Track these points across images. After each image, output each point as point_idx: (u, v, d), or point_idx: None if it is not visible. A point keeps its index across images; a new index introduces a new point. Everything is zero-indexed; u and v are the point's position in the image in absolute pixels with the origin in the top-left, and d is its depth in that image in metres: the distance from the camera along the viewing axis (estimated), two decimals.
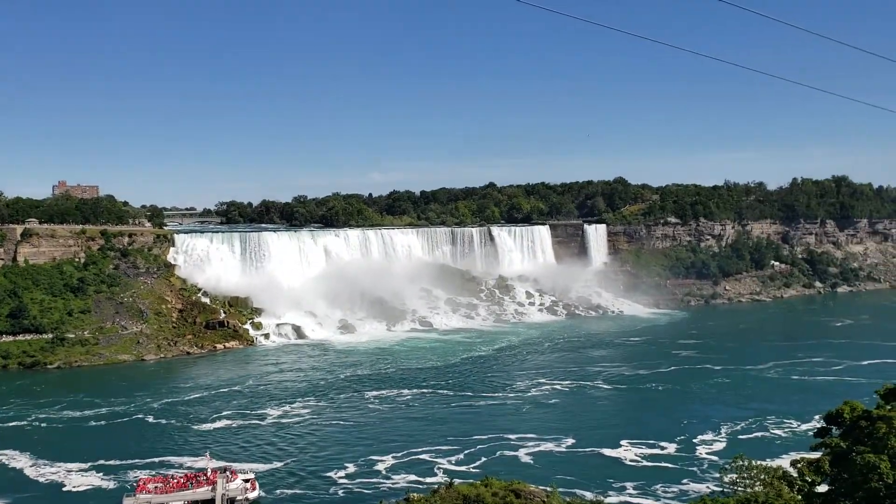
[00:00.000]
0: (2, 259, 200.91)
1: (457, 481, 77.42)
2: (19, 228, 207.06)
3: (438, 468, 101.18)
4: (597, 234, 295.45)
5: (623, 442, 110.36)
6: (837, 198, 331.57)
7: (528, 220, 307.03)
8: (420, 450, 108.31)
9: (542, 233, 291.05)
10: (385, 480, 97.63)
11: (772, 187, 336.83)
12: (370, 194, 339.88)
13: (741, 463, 57.78)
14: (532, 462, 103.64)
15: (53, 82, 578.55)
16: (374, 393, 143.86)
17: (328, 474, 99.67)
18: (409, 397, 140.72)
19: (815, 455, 58.38)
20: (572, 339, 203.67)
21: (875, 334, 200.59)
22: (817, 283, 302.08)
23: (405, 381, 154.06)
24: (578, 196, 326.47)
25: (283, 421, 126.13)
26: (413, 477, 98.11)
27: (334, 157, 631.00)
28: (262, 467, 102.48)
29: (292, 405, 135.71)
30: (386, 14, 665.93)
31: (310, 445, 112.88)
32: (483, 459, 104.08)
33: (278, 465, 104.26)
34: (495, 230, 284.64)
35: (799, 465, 56.55)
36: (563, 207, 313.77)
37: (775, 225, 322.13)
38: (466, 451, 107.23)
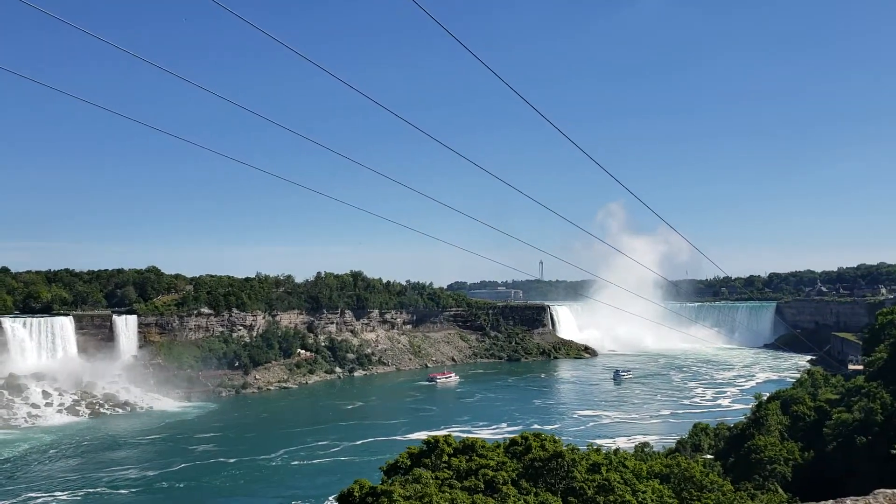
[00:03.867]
0: None
1: None
2: None
3: None
4: (126, 326, 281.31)
5: None
6: (355, 290, 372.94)
7: (48, 310, 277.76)
8: None
9: (65, 324, 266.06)
10: None
11: (299, 280, 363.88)
12: None
13: None
14: None
15: None
16: None
17: None
18: None
19: None
20: (93, 442, 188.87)
21: (378, 414, 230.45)
22: (338, 369, 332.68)
23: None
24: (108, 285, 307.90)
25: None
26: None
27: None
28: None
29: None
30: None
31: None
32: None
33: None
34: (6, 321, 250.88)
35: None
36: (90, 297, 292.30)
37: (302, 315, 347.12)
38: None
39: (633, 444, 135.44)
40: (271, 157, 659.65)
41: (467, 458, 73.02)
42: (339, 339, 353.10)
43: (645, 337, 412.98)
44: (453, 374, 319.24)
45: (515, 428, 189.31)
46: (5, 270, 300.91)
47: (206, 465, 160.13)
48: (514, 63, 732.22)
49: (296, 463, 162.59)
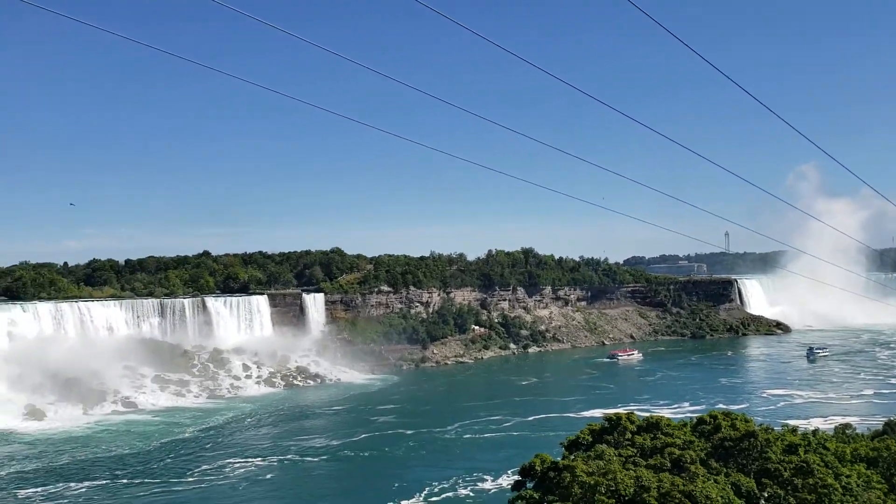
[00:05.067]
0: None
1: None
2: None
3: None
4: (315, 303, 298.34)
5: None
6: (526, 267, 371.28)
7: (245, 289, 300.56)
8: None
9: (260, 302, 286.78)
10: None
11: (471, 258, 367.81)
12: (65, 263, 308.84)
13: None
14: None
15: None
16: (68, 485, 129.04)
17: None
18: (99, 489, 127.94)
19: None
20: (290, 411, 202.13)
21: (553, 390, 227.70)
22: (512, 345, 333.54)
23: (97, 469, 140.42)
24: (297, 265, 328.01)
25: None
26: None
27: (21, 222, 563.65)
28: None
29: None
30: (71, 65, 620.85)
31: None
32: None
33: None
34: (210, 300, 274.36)
35: None
36: (281, 277, 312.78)
37: (475, 292, 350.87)
38: None
39: (831, 426, 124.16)
40: (438, 135, 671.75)
41: (652, 435, 69.19)
42: (512, 315, 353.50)
43: (846, 311, 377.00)
44: (636, 352, 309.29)
45: (699, 407, 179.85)
46: (207, 254, 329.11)
47: (387, 436, 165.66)
48: (687, 20, 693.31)
49: (469, 436, 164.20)
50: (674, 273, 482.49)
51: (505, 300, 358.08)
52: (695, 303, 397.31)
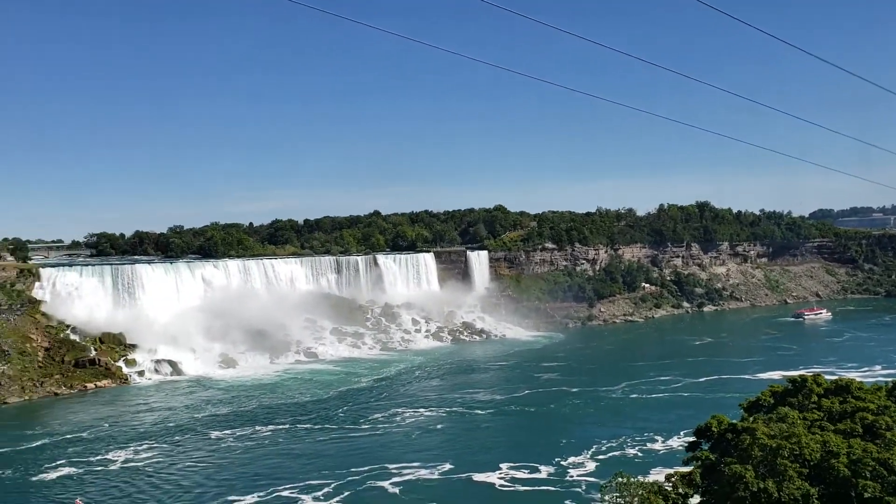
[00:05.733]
0: None
1: None
2: None
3: None
4: (479, 261, 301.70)
5: (502, 465, 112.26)
6: (701, 222, 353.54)
7: (412, 247, 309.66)
8: (285, 487, 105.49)
9: (427, 260, 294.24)
10: None
11: (641, 213, 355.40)
12: (250, 223, 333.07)
13: (620, 480, 60.70)
14: (400, 492, 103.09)
15: None
16: (254, 428, 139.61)
17: None
18: (283, 432, 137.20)
19: (687, 469, 62.26)
20: (456, 365, 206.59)
21: (728, 351, 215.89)
22: (685, 304, 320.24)
23: (282, 414, 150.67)
24: (461, 223, 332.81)
25: (148, 464, 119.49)
26: None
27: (211, 186, 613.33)
28: None
29: (156, 445, 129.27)
30: (267, 34, 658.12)
31: (173, 486, 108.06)
32: (349, 492, 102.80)
33: None
34: (381, 258, 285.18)
35: (673, 479, 60.22)
36: (446, 235, 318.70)
37: (645, 249, 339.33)
38: (335, 485, 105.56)
39: None
40: (603, 83, 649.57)
41: (840, 399, 63.24)
42: (686, 273, 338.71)
43: None
44: (824, 311, 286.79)
45: (892, 371, 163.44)
46: (377, 213, 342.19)
47: (551, 393, 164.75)
48: None
49: (636, 396, 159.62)
50: (866, 226, 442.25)
51: (678, 257, 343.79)
52: (891, 259, 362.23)
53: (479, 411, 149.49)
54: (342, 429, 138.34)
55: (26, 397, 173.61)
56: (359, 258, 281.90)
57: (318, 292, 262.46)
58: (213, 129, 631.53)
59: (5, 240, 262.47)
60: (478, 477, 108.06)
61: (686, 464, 63.84)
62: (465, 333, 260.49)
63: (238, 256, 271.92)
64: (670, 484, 60.88)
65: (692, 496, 59.58)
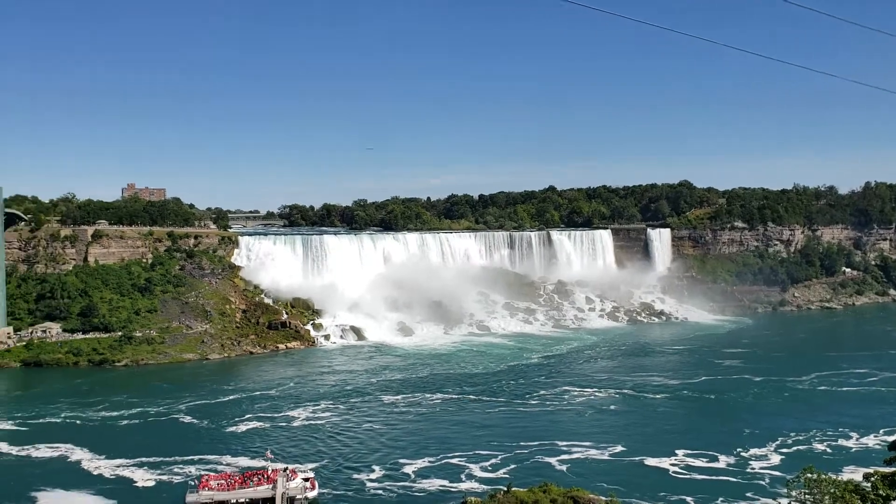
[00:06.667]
0: (74, 259, 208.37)
1: (514, 488, 75.99)
2: (90, 230, 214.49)
3: (468, 474, 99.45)
4: (660, 239, 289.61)
5: (678, 452, 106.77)
6: None
7: (588, 223, 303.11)
8: (453, 454, 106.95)
9: (604, 237, 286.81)
10: (412, 484, 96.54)
11: (843, 191, 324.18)
12: (428, 198, 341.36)
13: (810, 476, 55.15)
14: (567, 469, 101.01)
15: (121, 87, 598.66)
16: (425, 395, 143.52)
17: (357, 476, 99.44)
18: (452, 401, 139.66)
19: (890, 469, 55.30)
20: (633, 346, 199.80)
21: None
22: (892, 291, 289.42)
23: (457, 384, 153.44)
24: (642, 199, 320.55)
25: (327, 422, 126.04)
26: (441, 482, 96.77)
27: (393, 161, 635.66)
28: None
29: (333, 406, 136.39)
30: (443, 13, 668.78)
31: (350, 445, 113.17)
32: (515, 466, 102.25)
33: (323, 463, 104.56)
34: (555, 234, 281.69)
35: (872, 479, 53.66)
36: (625, 211, 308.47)
37: (847, 230, 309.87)
38: (502, 457, 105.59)
39: None
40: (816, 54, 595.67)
41: None
42: (894, 257, 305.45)
43: None
44: None
45: None
46: (552, 189, 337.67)
47: (732, 380, 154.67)
48: None
49: (826, 388, 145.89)
50: None
51: (885, 240, 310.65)
52: None
53: (654, 395, 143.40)
54: (511, 402, 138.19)
55: (225, 354, 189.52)
56: (532, 234, 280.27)
57: (491, 267, 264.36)
58: (392, 108, 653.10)
59: (209, 209, 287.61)
60: (650, 461, 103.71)
61: (888, 464, 56.61)
62: (643, 314, 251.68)
63: (416, 229, 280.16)
64: (869, 484, 54.28)
65: (893, 499, 52.78)
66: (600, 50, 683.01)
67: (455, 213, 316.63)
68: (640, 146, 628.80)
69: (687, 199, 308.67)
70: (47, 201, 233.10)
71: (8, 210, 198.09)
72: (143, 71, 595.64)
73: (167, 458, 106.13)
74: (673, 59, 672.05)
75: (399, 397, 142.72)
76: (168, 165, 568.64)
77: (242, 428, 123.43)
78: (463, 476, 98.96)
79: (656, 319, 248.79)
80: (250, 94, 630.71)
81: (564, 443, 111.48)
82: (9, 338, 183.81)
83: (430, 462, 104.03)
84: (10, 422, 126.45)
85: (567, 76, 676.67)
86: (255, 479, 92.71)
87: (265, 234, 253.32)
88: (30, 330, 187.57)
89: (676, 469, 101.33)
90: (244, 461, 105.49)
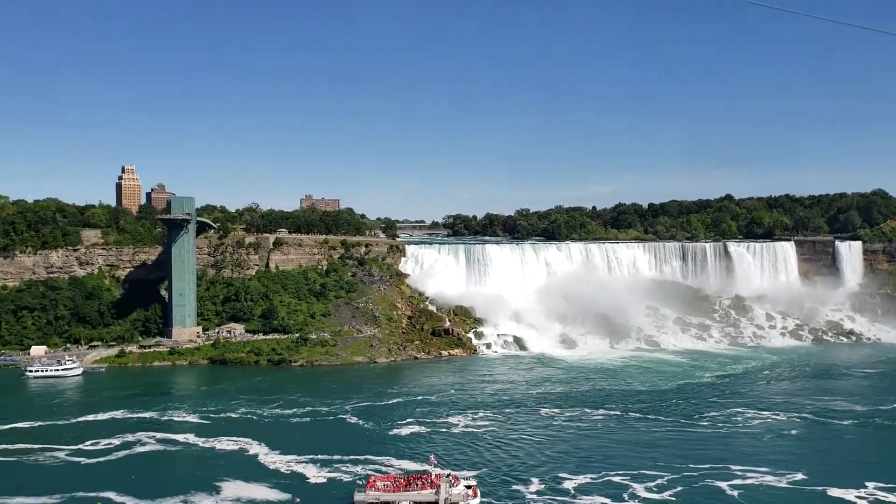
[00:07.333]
0: (256, 265, 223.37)
1: None
2: (271, 237, 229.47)
3: (632, 494, 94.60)
4: (850, 253, 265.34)
5: (869, 484, 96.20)
6: None
7: (769, 235, 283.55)
8: (616, 472, 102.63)
9: (787, 249, 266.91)
10: (573, 500, 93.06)
11: None
12: (594, 207, 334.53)
13: None
14: (740, 495, 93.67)
15: (302, 106, 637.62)
16: (585, 410, 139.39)
17: (517, 487, 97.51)
18: (614, 418, 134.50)
19: None
20: (818, 368, 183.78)
21: None
22: None
23: (614, 400, 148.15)
24: (829, 210, 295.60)
25: (485, 431, 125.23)
26: (602, 500, 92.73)
27: (556, 170, 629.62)
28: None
29: (491, 415, 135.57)
30: (615, 20, 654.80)
31: (510, 456, 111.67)
32: (683, 488, 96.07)
33: (484, 471, 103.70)
34: (732, 246, 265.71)
35: None
36: (810, 222, 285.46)
37: None
38: (669, 478, 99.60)
39: None
40: None
41: None
42: None
43: None
44: None
45: None
46: (729, 198, 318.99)
47: None
48: None
49: None
50: None
51: None
52: None
53: (841, 421, 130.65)
54: (679, 422, 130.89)
55: (392, 358, 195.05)
56: (707, 245, 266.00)
57: (661, 279, 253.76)
58: (555, 117, 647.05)
59: (378, 219, 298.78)
60: (835, 492, 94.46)
61: None
62: (830, 334, 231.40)
63: (580, 239, 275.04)
64: None
65: None
66: (787, 49, 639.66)
67: (622, 222, 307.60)
68: (827, 151, 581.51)
69: (881, 210, 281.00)
70: (234, 211, 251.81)
71: (200, 219, 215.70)
72: (324, 92, 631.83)
73: (335, 457, 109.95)
74: (864, 52, 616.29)
75: (559, 410, 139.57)
76: (343, 178, 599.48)
77: (405, 431, 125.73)
78: (626, 495, 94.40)
79: (845, 339, 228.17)
80: (423, 115, 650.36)
81: (738, 467, 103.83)
82: (198, 337, 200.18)
83: (591, 479, 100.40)
84: (197, 415, 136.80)
85: (745, 77, 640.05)
86: (419, 482, 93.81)
87: (430, 244, 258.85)
88: (216, 330, 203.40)
89: (866, 503, 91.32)
90: (407, 464, 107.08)
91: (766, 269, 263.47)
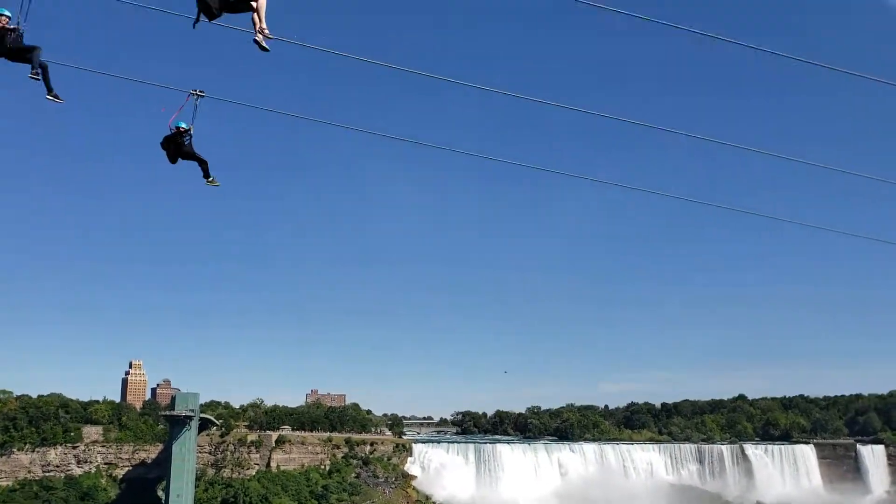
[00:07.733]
0: (257, 464, 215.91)
1: None
2: (274, 435, 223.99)
3: None
4: (874, 457, 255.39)
5: None
6: None
7: (786, 436, 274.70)
8: None
9: (806, 452, 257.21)
10: None
11: None
12: (606, 406, 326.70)
13: None
14: None
15: (306, 293, 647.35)
16: None
17: None
18: None
19: None
20: None
21: None
22: None
23: None
24: (847, 411, 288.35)
25: None
26: None
27: (566, 367, 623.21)
28: None
29: None
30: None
31: None
32: None
33: None
34: (749, 448, 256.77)
35: None
36: (828, 424, 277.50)
37: None
38: None
39: None
40: None
41: None
42: None
43: None
44: None
45: None
46: (743, 398, 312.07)
47: None
48: None
49: None
50: None
51: None
52: None
53: None
54: None
55: None
56: (723, 447, 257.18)
57: (679, 484, 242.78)
58: (564, 313, 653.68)
59: (385, 415, 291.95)
60: None
61: None
62: None
63: (594, 439, 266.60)
64: None
65: None
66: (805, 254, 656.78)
67: (635, 422, 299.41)
68: (841, 348, 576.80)
69: None
70: (238, 407, 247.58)
71: (203, 415, 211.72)
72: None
73: None
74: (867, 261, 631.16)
75: None
76: (350, 374, 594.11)
77: None
78: None
79: None
80: (431, 310, 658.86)
81: None
82: None
83: None
84: None
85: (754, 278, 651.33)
86: None
87: (438, 442, 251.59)
88: None
89: None
90: None
91: (787, 473, 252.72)
